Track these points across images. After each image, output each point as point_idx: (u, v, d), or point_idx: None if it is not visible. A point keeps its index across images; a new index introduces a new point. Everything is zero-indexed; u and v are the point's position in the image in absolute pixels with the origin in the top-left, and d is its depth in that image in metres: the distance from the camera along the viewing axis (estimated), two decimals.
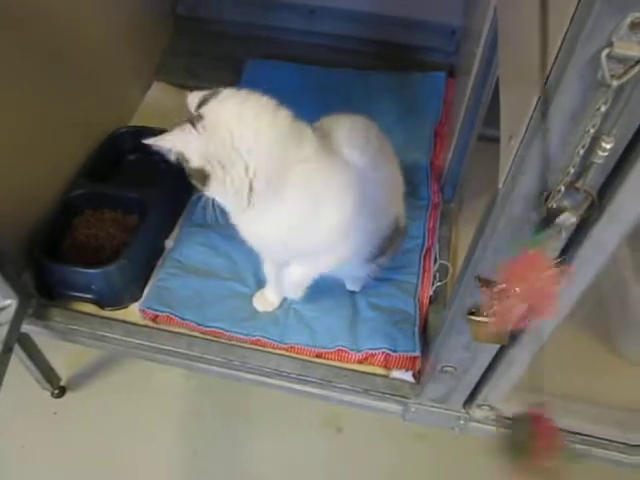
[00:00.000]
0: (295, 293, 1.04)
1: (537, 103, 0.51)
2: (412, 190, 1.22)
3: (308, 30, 1.67)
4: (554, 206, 0.55)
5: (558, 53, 0.47)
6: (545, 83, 0.49)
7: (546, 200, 0.55)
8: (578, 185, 0.53)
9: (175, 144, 0.76)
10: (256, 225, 0.86)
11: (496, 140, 1.23)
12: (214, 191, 0.80)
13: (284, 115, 0.79)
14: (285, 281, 1.04)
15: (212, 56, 1.64)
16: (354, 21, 1.64)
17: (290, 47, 1.62)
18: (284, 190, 0.80)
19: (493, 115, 1.11)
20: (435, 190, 1.28)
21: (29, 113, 1.09)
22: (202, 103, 0.78)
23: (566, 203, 0.55)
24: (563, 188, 0.53)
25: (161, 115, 1.45)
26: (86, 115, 1.29)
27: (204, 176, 0.78)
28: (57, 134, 1.18)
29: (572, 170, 0.51)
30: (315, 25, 1.67)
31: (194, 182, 0.80)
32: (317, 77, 1.53)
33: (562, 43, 0.46)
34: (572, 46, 0.44)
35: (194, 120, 0.76)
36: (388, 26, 1.63)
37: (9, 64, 1.01)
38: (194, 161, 0.77)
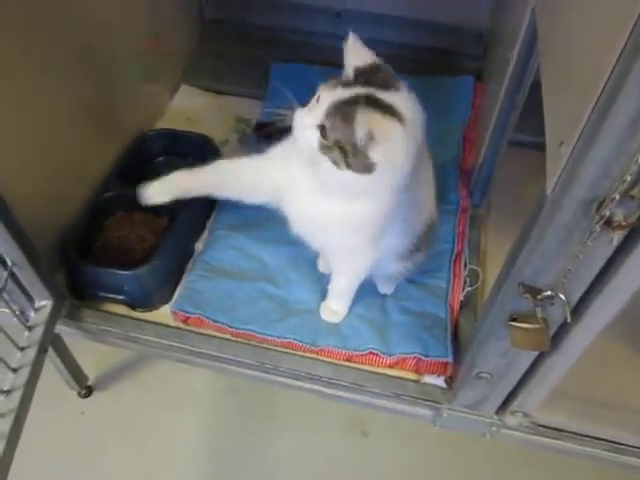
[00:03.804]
0: (335, 315, 1.08)
1: (593, 108, 0.50)
2: (441, 194, 1.20)
3: (334, 33, 1.66)
4: (607, 214, 0.54)
5: (620, 56, 0.46)
6: (603, 88, 0.49)
7: (598, 208, 0.55)
8: (633, 193, 0.52)
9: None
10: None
11: (526, 145, 1.24)
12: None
13: None
14: (324, 305, 1.09)
15: (238, 59, 1.64)
16: (379, 24, 1.64)
17: (317, 50, 1.61)
18: None
19: (524, 120, 1.11)
20: (464, 195, 1.27)
21: (60, 117, 1.10)
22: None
23: (619, 211, 0.55)
24: (618, 196, 0.52)
25: (188, 118, 1.49)
26: (115, 118, 1.30)
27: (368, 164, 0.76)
28: (87, 137, 1.19)
29: (629, 178, 0.50)
30: (341, 28, 1.64)
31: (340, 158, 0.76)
32: None
33: (625, 46, 0.45)
34: (637, 50, 0.44)
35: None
36: (413, 29, 1.63)
37: (39, 66, 1.02)
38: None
